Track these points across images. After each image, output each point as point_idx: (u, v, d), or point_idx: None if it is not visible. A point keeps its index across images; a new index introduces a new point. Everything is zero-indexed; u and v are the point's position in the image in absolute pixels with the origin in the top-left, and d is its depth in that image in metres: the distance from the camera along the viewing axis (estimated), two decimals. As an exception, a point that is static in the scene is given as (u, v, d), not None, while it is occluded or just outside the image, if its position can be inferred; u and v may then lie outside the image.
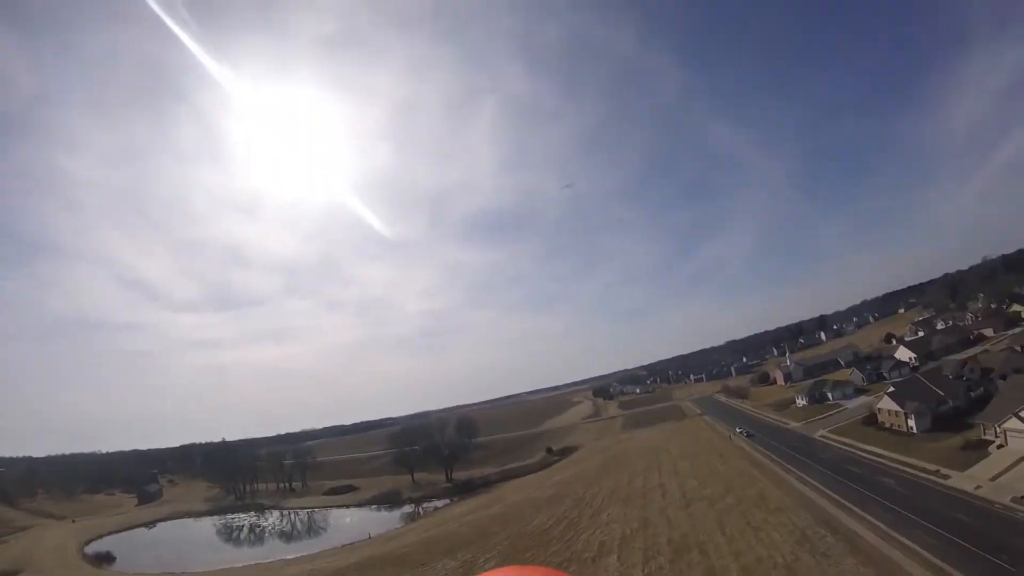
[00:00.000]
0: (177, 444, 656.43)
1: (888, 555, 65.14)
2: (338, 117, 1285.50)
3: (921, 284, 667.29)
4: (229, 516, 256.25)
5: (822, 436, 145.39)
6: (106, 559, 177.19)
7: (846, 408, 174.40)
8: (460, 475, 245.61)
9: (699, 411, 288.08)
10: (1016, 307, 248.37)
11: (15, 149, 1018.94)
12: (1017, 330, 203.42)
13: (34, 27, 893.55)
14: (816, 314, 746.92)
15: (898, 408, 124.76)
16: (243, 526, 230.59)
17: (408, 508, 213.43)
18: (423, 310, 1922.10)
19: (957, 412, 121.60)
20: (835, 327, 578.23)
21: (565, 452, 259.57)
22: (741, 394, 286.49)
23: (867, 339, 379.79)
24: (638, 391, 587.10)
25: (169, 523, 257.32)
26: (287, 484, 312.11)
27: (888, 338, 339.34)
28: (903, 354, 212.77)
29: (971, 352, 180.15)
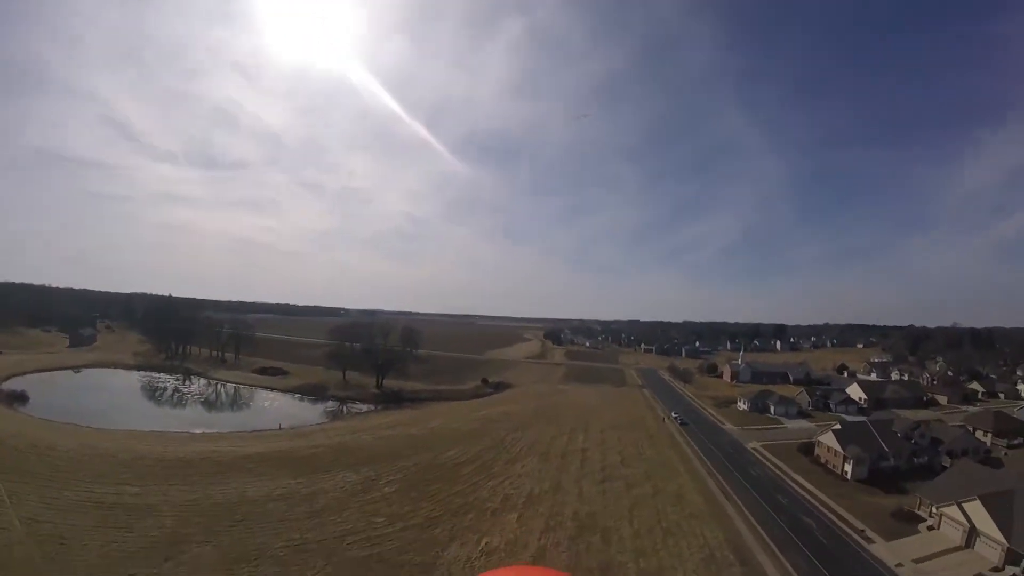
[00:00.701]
0: (127, 291, 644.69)
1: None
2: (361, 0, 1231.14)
3: (886, 327, 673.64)
4: (155, 375, 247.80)
5: (755, 449, 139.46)
6: (19, 398, 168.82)
7: (786, 427, 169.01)
8: (391, 384, 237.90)
9: (640, 382, 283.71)
10: (974, 385, 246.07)
11: None
12: (972, 408, 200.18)
13: None
14: (776, 321, 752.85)
15: (839, 449, 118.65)
16: (165, 388, 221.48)
17: (331, 405, 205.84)
18: (402, 212, 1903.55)
19: (896, 473, 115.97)
20: (792, 340, 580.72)
21: (500, 387, 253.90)
22: (686, 378, 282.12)
23: (821, 362, 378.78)
24: (588, 344, 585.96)
25: (95, 370, 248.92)
26: (220, 354, 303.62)
27: (841, 368, 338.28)
28: (855, 392, 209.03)
29: (923, 415, 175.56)
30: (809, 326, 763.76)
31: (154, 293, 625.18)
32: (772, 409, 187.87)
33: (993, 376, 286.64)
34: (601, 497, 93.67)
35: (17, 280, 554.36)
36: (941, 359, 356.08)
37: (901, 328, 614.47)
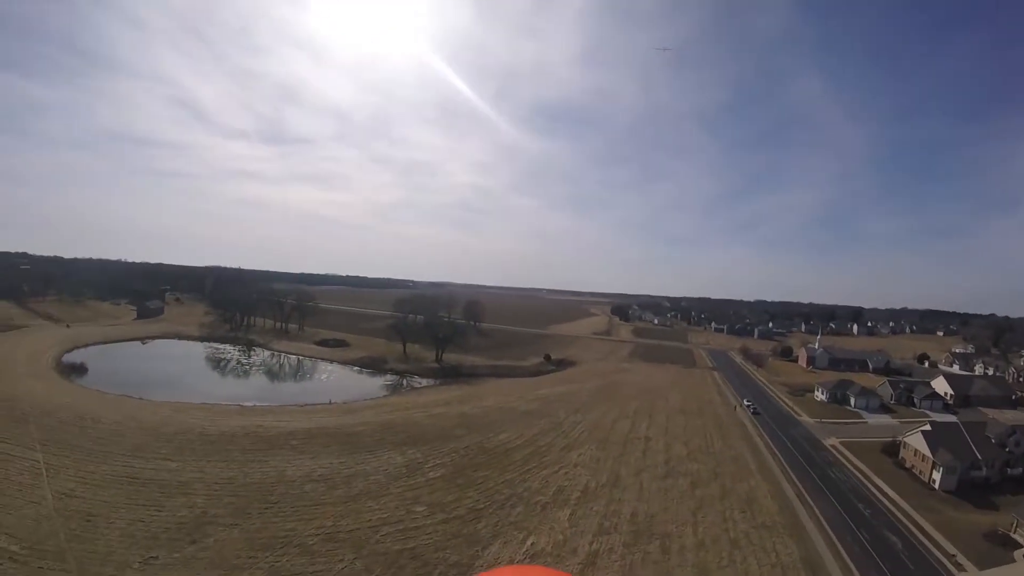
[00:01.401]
0: (201, 264, 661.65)
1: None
2: None
3: (966, 314, 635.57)
4: (217, 346, 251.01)
5: (834, 447, 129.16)
6: (77, 370, 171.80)
7: (867, 422, 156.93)
8: (451, 358, 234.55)
9: (711, 364, 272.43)
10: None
11: None
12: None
13: None
14: (852, 303, 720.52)
15: (928, 453, 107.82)
16: (225, 359, 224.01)
17: (389, 379, 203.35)
18: (469, 183, 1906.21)
19: (987, 485, 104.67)
20: (869, 324, 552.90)
21: (562, 364, 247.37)
22: (759, 361, 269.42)
23: (900, 349, 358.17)
24: (656, 321, 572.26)
25: (159, 341, 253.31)
26: (283, 325, 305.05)
27: (923, 358, 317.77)
28: (940, 386, 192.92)
29: (1010, 416, 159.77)
30: (887, 310, 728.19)
31: (224, 266, 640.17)
32: (852, 401, 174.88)
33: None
34: (662, 496, 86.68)
35: (92, 256, 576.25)
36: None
37: (982, 317, 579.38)
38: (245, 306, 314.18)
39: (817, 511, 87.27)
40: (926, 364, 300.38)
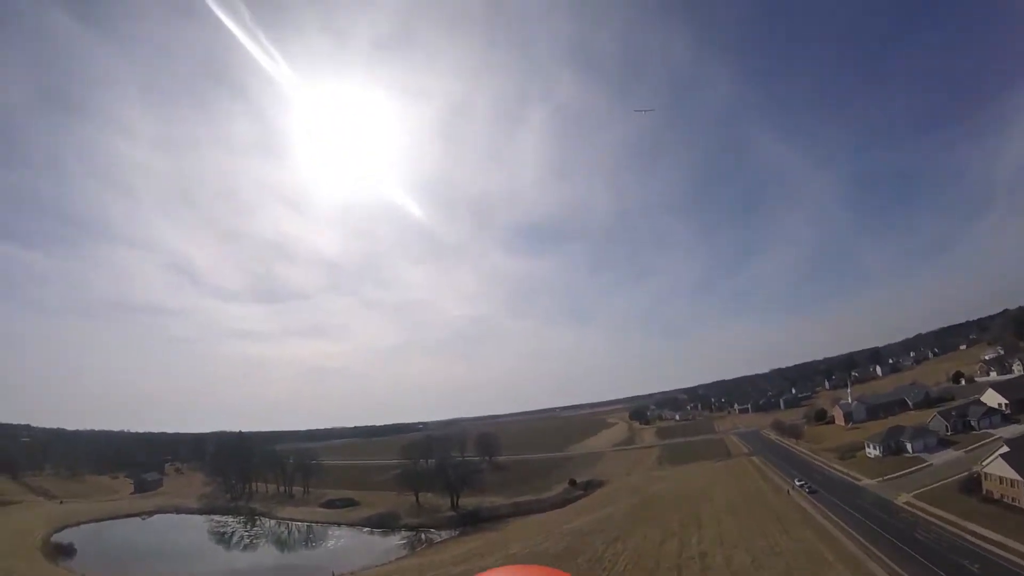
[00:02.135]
0: (203, 431, 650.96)
1: None
2: (390, 116, 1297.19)
3: (981, 319, 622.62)
4: (218, 519, 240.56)
5: (908, 503, 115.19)
6: (66, 552, 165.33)
7: (930, 464, 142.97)
8: (468, 502, 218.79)
9: (746, 449, 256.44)
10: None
11: (76, 130, 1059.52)
12: None
13: (94, 16, 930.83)
14: (867, 345, 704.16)
15: (1017, 477, 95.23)
16: (226, 533, 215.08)
17: (402, 537, 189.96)
18: (464, 315, 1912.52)
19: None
20: (891, 361, 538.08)
21: (590, 486, 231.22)
22: (795, 433, 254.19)
23: (930, 376, 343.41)
24: (677, 417, 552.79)
25: (156, 516, 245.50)
26: (287, 489, 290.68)
27: (957, 376, 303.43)
28: (991, 398, 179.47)
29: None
30: (903, 341, 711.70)
31: (226, 430, 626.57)
32: (909, 447, 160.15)
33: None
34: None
35: (93, 427, 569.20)
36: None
37: (997, 316, 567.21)
38: (246, 472, 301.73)
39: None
40: (962, 382, 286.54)
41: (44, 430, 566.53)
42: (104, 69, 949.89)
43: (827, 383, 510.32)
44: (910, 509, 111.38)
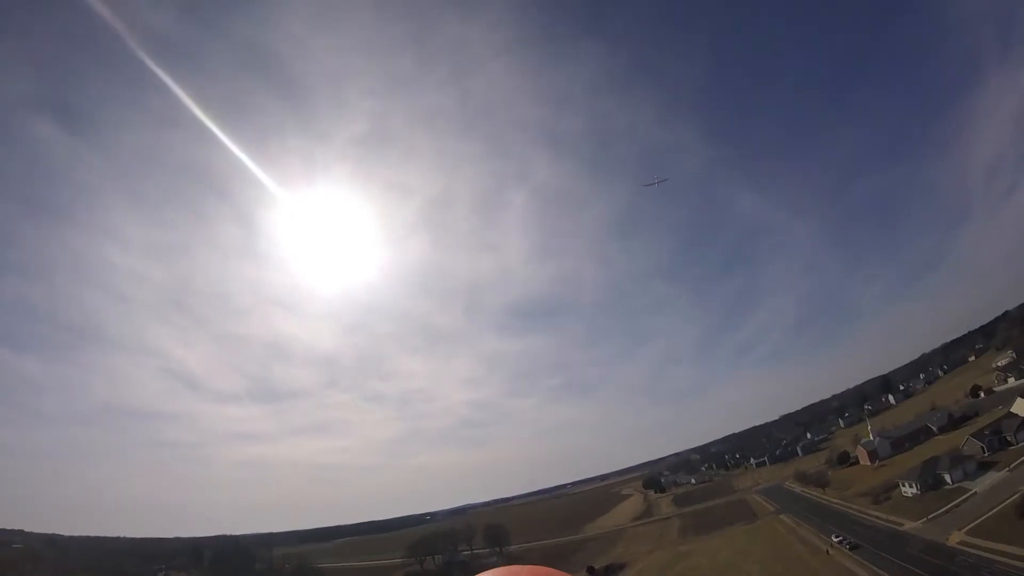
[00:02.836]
0: (203, 534, 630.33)
1: None
2: (374, 213, 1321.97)
3: (983, 326, 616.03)
4: None
5: (963, 543, 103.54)
6: None
7: (975, 492, 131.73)
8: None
9: (773, 508, 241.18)
10: None
11: (68, 238, 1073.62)
12: None
13: (80, 126, 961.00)
14: (873, 375, 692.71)
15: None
16: None
17: None
18: (464, 401, 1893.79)
19: None
20: (902, 387, 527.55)
21: (611, 572, 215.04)
22: (820, 481, 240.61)
23: (947, 395, 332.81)
24: (693, 481, 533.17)
25: None
26: None
27: (975, 391, 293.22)
28: (1022, 407, 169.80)
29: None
30: (908, 364, 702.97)
31: (226, 534, 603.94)
32: (947, 477, 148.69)
33: None
34: None
35: (91, 533, 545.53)
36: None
37: (997, 320, 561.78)
38: None
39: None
40: (981, 395, 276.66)
41: (38, 535, 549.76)
42: (92, 178, 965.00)
43: (841, 421, 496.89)
44: (967, 548, 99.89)
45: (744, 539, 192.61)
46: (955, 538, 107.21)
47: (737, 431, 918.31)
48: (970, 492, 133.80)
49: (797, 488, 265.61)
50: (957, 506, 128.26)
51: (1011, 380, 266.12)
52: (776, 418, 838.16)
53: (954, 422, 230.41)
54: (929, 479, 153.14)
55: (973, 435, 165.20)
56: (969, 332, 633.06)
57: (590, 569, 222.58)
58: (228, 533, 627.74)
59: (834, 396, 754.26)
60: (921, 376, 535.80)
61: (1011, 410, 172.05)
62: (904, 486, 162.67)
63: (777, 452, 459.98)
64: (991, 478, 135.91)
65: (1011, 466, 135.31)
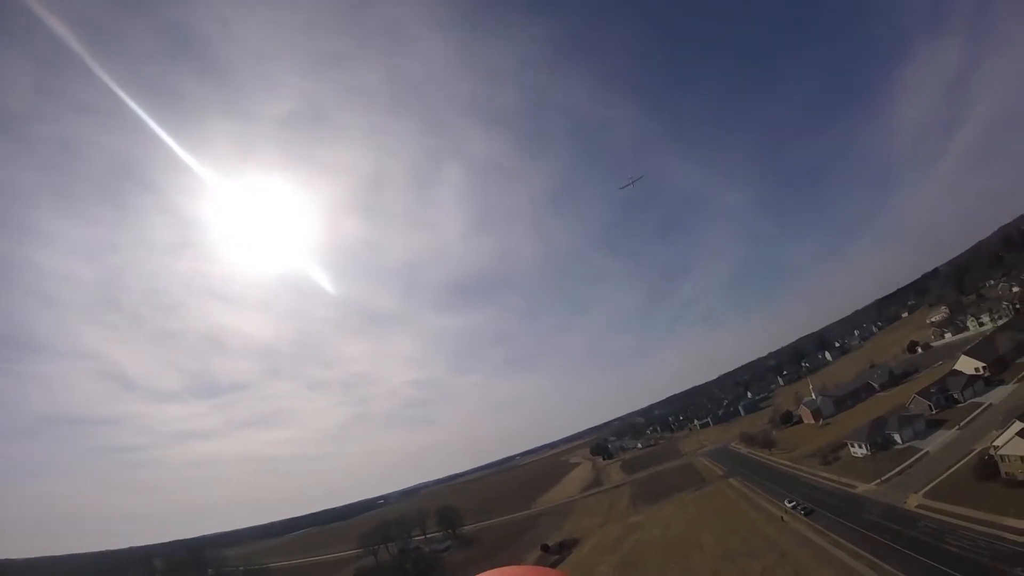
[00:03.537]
0: (158, 541, 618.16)
1: None
2: (306, 194, 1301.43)
3: (914, 282, 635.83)
4: None
5: (922, 507, 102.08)
6: None
7: (927, 452, 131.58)
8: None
9: (720, 471, 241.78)
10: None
11: None
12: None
13: None
14: (808, 332, 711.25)
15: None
16: None
17: None
18: (409, 381, 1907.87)
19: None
20: (838, 344, 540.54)
21: (564, 548, 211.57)
22: (766, 442, 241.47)
23: (884, 351, 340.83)
24: (639, 445, 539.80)
25: None
26: None
27: (912, 346, 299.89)
28: (966, 364, 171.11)
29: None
30: (842, 320, 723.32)
31: (181, 538, 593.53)
32: (897, 437, 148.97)
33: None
34: None
35: (40, 553, 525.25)
36: (999, 281, 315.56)
37: (928, 276, 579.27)
38: None
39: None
40: (919, 350, 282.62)
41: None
42: (9, 172, 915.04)
43: (780, 379, 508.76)
44: (927, 513, 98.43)
45: (695, 507, 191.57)
46: (913, 501, 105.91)
47: (679, 392, 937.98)
48: (922, 452, 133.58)
49: (743, 450, 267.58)
50: (910, 467, 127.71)
51: (948, 336, 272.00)
52: (716, 377, 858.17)
53: (895, 379, 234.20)
54: (878, 439, 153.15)
55: (919, 393, 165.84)
56: (900, 289, 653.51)
57: (544, 547, 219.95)
58: (184, 537, 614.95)
59: (771, 354, 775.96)
60: (856, 332, 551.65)
61: (956, 367, 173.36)
62: (853, 446, 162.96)
63: (720, 412, 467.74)
64: (942, 437, 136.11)
65: (961, 424, 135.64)
